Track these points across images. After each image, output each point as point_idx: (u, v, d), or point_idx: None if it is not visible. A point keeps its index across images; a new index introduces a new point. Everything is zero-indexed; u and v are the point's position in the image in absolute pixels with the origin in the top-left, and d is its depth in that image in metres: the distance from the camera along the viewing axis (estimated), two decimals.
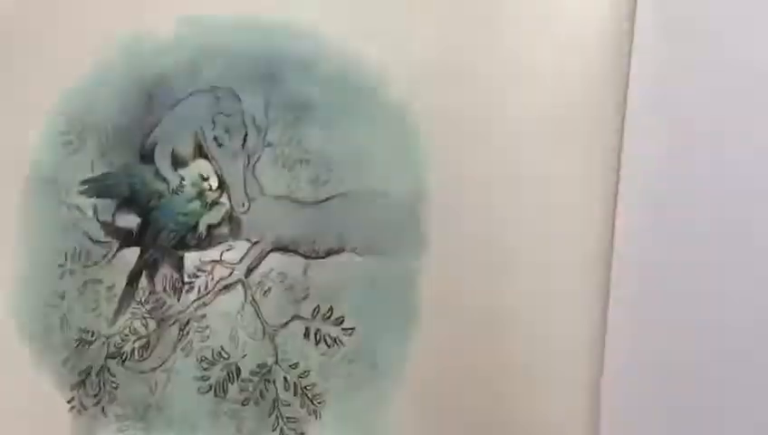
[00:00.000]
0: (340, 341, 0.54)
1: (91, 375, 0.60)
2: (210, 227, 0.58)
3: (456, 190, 0.53)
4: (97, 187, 0.61)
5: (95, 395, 0.59)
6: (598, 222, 0.51)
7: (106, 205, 0.61)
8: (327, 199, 0.55)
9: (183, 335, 0.58)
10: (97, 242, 0.61)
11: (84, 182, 0.62)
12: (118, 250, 0.60)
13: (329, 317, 0.55)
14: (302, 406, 0.55)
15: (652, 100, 0.51)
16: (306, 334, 0.55)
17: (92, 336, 0.60)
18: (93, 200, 0.61)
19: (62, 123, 0.63)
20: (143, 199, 0.60)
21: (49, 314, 0.61)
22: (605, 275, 0.50)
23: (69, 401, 0.60)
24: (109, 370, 0.60)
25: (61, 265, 0.62)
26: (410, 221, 0.53)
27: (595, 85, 0.50)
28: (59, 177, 0.63)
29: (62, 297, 0.61)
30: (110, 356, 0.60)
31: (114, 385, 0.59)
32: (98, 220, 0.61)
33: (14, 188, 0.64)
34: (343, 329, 0.54)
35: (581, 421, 0.51)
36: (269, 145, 0.57)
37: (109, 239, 0.61)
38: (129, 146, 0.61)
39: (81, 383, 0.60)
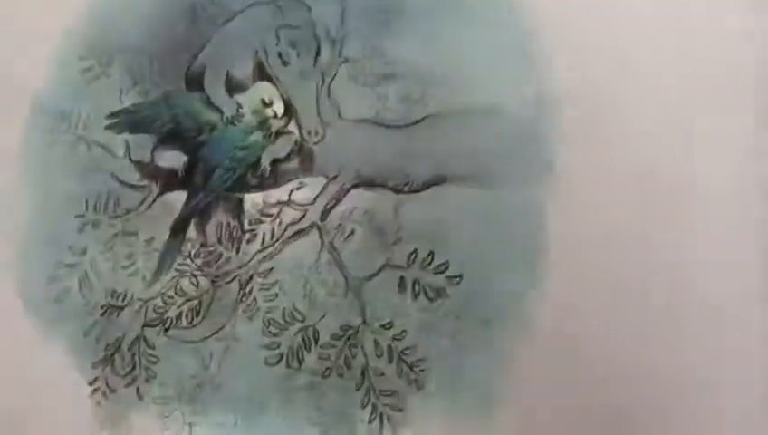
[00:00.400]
0: (444, 292, 0.44)
1: (122, 349, 0.49)
2: (276, 162, 0.48)
3: (588, 102, 0.44)
4: (129, 120, 0.51)
5: (127, 373, 0.48)
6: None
7: (141, 141, 0.51)
8: (422, 120, 0.46)
9: (244, 295, 0.47)
10: (130, 186, 0.51)
11: (112, 115, 0.51)
12: (158, 195, 0.50)
13: (429, 264, 0.45)
14: (399, 375, 0.44)
15: None
16: (401, 286, 0.45)
17: (124, 300, 0.49)
18: (124, 136, 0.51)
19: (79, 46, 0.53)
20: (190, 133, 0.50)
21: (63, 275, 0.50)
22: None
23: (91, 383, 0.49)
24: (146, 341, 0.48)
25: (80, 216, 0.51)
26: (532, 141, 0.44)
27: None
28: (75, 109, 0.52)
29: (83, 253, 0.50)
30: (149, 324, 0.48)
31: (153, 359, 0.48)
32: (131, 160, 0.51)
33: (15, 126, 0.53)
34: (448, 277, 0.44)
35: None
36: (346, 60, 0.48)
37: (145, 182, 0.50)
38: (169, 70, 0.51)
39: (108, 360, 0.49)
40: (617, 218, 0.43)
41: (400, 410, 0.44)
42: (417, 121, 0.46)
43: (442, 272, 0.45)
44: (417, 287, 0.45)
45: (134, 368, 0.48)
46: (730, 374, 0.42)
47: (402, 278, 0.45)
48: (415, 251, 0.45)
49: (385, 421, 0.44)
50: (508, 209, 0.44)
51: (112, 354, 0.48)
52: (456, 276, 0.44)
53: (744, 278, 0.42)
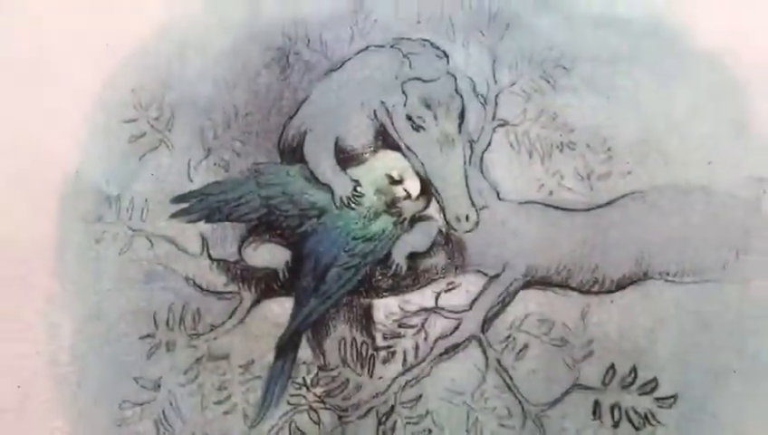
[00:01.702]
0: (653, 417, 0.36)
1: None
2: (414, 257, 0.38)
3: None
4: (205, 205, 0.40)
5: None
6: None
7: (223, 233, 0.39)
8: (611, 202, 0.37)
9: (385, 432, 0.37)
10: (213, 293, 0.39)
11: (179, 198, 0.39)
12: (253, 304, 0.39)
13: (632, 383, 0.36)
14: None
15: None
16: (596, 412, 0.36)
17: None
18: (199, 227, 0.39)
19: (126, 107, 0.40)
20: (291, 221, 0.39)
21: (132, 419, 0.39)
22: None
23: None
24: None
25: (147, 336, 0.39)
26: (752, 224, 0.36)
27: None
28: (125, 191, 0.40)
29: (156, 387, 0.39)
30: None
31: None
32: (211, 259, 0.39)
33: (43, 215, 0.40)
34: (658, 399, 0.36)
35: None
36: (503, 124, 0.38)
37: (234, 288, 0.39)
38: (256, 137, 0.40)
39: None
40: None
41: None
42: (605, 204, 0.37)
43: (649, 392, 0.37)
44: (617, 413, 0.36)
45: None
46: None
47: (597, 402, 0.37)
48: (612, 367, 0.37)
49: None
50: (728, 309, 0.36)
51: None
52: (668, 397, 0.36)
53: None
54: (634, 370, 0.38)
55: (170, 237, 0.41)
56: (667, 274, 0.38)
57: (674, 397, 0.38)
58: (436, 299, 0.39)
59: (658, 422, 0.38)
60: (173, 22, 0.42)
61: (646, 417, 0.38)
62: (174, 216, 0.41)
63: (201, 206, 0.42)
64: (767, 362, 0.38)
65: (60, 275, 0.42)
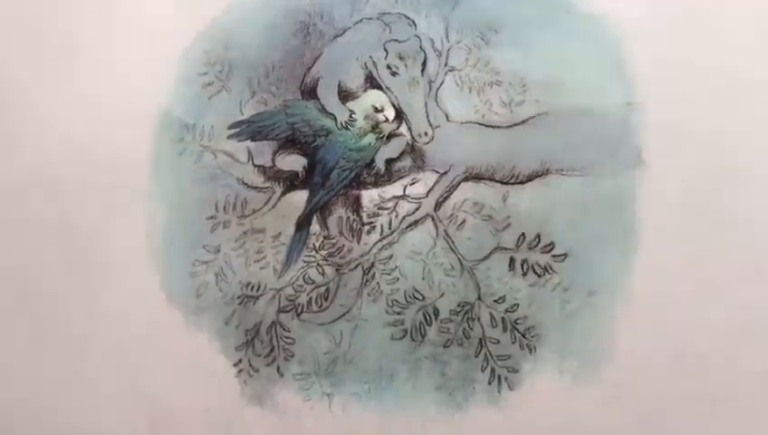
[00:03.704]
0: (551, 268, 0.53)
1: (260, 333, 0.57)
2: (389, 162, 0.56)
3: (672, 101, 0.51)
4: (250, 129, 0.59)
5: (267, 354, 0.56)
6: None
7: (262, 148, 0.59)
8: (524, 121, 0.54)
9: (368, 280, 0.55)
10: (255, 188, 0.58)
11: (234, 125, 0.59)
12: (282, 195, 0.58)
13: (536, 245, 0.53)
14: (513, 342, 0.53)
15: None
16: (511, 266, 0.53)
17: (258, 290, 0.57)
18: (246, 144, 0.58)
19: (201, 63, 0.60)
20: (308, 138, 0.58)
21: (201, 271, 0.59)
22: None
23: (236, 365, 0.57)
24: (281, 325, 0.56)
25: (211, 217, 0.59)
26: (622, 136, 0.53)
27: None
28: (200, 122, 0.60)
29: (217, 251, 0.58)
30: (283, 310, 0.57)
31: (290, 341, 0.56)
32: (254, 165, 0.58)
33: (146, 140, 0.60)
34: (554, 256, 0.53)
35: None
36: (452, 69, 0.56)
37: (269, 184, 0.58)
38: (286, 82, 0.59)
39: (249, 343, 0.57)
40: (697, 201, 0.51)
41: (516, 372, 0.53)
42: (520, 123, 0.54)
43: (548, 251, 0.54)
44: (525, 266, 0.53)
45: (273, 349, 0.56)
46: None
47: (512, 259, 0.54)
48: (522, 235, 0.54)
49: (503, 382, 0.52)
50: (603, 195, 0.53)
51: (252, 338, 0.56)
52: (561, 254, 0.53)
53: None
54: (538, 236, 0.55)
55: (227, 151, 0.61)
56: (561, 170, 0.54)
57: (564, 254, 0.54)
58: (404, 190, 0.57)
59: (554, 271, 0.54)
60: (234, 4, 0.61)
61: (545, 268, 0.54)
62: (230, 137, 0.60)
63: (248, 130, 0.61)
64: (634, 230, 0.53)
65: (155, 179, 0.61)
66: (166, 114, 0.61)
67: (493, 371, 0.55)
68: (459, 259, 0.56)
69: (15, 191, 0.63)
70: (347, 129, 0.60)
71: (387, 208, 0.58)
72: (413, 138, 0.58)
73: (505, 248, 0.55)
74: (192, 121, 0.62)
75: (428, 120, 0.58)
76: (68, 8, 0.63)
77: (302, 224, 0.59)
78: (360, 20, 0.60)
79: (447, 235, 0.57)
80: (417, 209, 0.58)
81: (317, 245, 0.59)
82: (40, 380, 0.60)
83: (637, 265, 0.54)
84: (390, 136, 0.59)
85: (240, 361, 0.58)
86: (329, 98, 0.61)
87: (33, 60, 0.64)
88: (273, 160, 0.61)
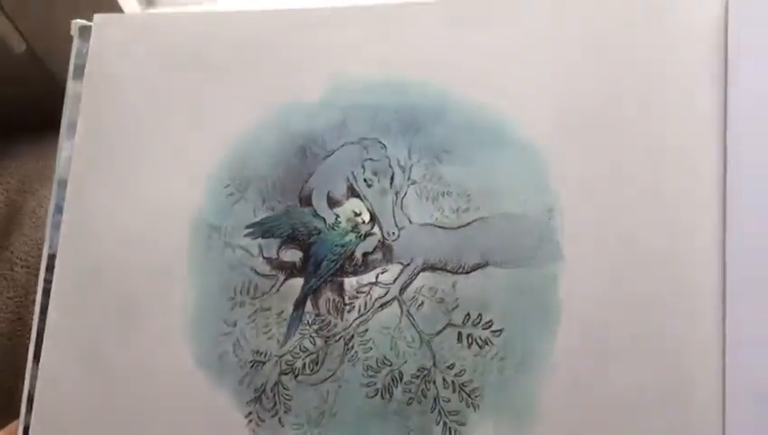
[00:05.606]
0: (490, 341, 0.67)
1: (266, 391, 0.72)
2: (365, 255, 0.71)
3: (584, 207, 0.65)
4: (261, 229, 0.75)
5: (271, 408, 0.71)
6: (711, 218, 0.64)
7: (270, 244, 0.75)
8: (468, 224, 0.69)
9: (348, 349, 0.70)
10: (264, 276, 0.75)
11: (249, 226, 0.76)
12: (284, 281, 0.74)
13: (478, 322, 0.67)
14: (460, 401, 0.67)
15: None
16: (459, 339, 0.68)
17: (265, 357, 0.73)
18: (258, 241, 0.75)
19: (225, 178, 0.78)
20: (304, 236, 0.74)
21: (222, 341, 0.74)
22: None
23: (246, 416, 0.72)
24: (282, 385, 0.71)
25: (231, 298, 0.75)
26: (545, 235, 0.67)
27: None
28: (223, 224, 0.77)
29: (234, 325, 0.74)
30: (283, 372, 0.72)
31: (288, 397, 0.71)
32: (263, 257, 0.75)
33: (184, 237, 0.78)
34: (492, 331, 0.67)
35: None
36: (413, 182, 0.72)
37: (275, 273, 0.75)
38: (288, 193, 0.76)
39: (257, 399, 0.72)
40: (606, 288, 0.65)
41: (463, 425, 0.66)
42: (465, 225, 0.69)
43: (488, 328, 0.68)
44: (470, 339, 0.68)
45: (275, 404, 0.71)
46: None
47: (460, 333, 0.68)
48: (468, 314, 0.68)
49: (453, 433, 0.66)
50: (531, 283, 0.67)
51: (260, 395, 0.71)
52: (498, 330, 0.67)
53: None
54: (480, 315, 0.68)
55: (243, 246, 0.77)
56: (497, 262, 0.69)
57: (501, 330, 0.68)
58: (376, 277, 0.72)
59: (492, 344, 0.68)
60: (244, 134, 0.79)
61: (485, 341, 0.68)
62: (246, 235, 0.77)
63: (259, 229, 0.77)
64: (556, 311, 0.66)
65: (189, 266, 0.79)
66: (199, 217, 0.79)
67: (445, 424, 0.69)
68: (419, 333, 0.71)
69: (85, 273, 0.82)
70: (333, 229, 0.76)
71: (363, 292, 0.73)
72: (383, 236, 0.74)
73: (455, 325, 0.70)
74: (218, 223, 0.79)
75: (395, 223, 0.74)
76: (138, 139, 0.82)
77: (299, 304, 0.74)
78: (344, 144, 0.78)
79: (410, 313, 0.71)
80: (387, 293, 0.72)
81: (310, 321, 0.74)
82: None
83: (558, 339, 0.67)
84: (366, 235, 0.75)
85: (250, 413, 0.73)
86: (320, 204, 0.77)
87: (107, 172, 0.84)
88: (277, 253, 0.77)
